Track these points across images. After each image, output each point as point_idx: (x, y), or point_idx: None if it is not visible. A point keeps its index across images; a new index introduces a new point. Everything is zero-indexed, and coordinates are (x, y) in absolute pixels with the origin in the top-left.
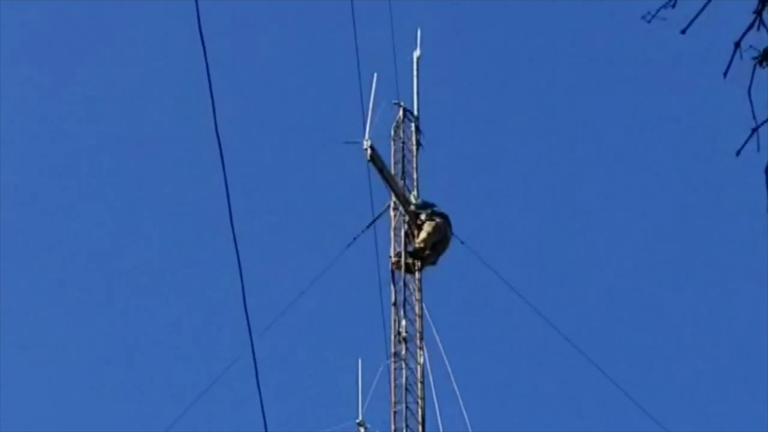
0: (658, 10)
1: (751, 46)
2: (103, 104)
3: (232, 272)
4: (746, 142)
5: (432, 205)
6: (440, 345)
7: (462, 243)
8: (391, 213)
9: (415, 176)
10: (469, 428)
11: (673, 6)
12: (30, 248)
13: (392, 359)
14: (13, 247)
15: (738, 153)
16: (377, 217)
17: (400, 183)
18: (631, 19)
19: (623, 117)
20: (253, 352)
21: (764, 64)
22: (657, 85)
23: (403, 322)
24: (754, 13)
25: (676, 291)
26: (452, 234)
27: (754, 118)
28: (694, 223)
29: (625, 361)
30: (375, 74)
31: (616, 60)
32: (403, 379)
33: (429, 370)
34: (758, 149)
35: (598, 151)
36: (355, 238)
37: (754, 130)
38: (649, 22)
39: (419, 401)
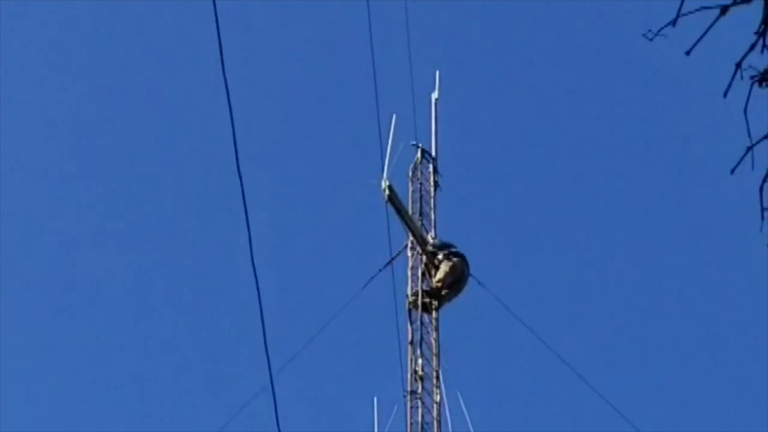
0: (661, 29)
1: (750, 66)
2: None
3: (252, 311)
4: (741, 160)
5: (450, 246)
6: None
7: (479, 283)
8: (409, 253)
9: (432, 216)
10: None
11: (674, 25)
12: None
13: (408, 397)
14: (15, 249)
15: (733, 171)
16: (395, 257)
17: (418, 223)
18: (633, 38)
19: (626, 145)
20: (273, 391)
21: (763, 84)
22: (657, 102)
23: (420, 361)
24: (755, 33)
25: (685, 323)
26: (469, 274)
27: (750, 137)
28: (691, 245)
29: (644, 403)
30: (394, 115)
31: (620, 83)
32: (419, 417)
33: (447, 408)
34: (753, 168)
35: (612, 186)
36: (372, 277)
37: (749, 148)
38: (651, 40)
39: None
